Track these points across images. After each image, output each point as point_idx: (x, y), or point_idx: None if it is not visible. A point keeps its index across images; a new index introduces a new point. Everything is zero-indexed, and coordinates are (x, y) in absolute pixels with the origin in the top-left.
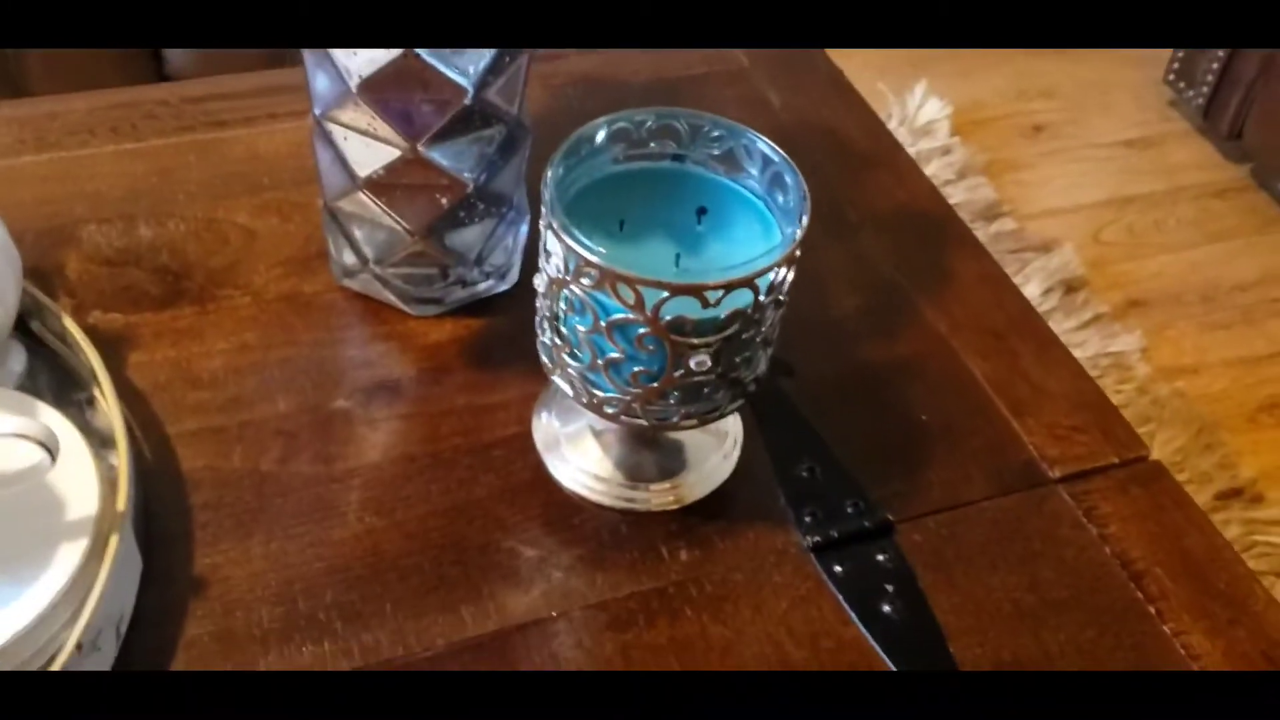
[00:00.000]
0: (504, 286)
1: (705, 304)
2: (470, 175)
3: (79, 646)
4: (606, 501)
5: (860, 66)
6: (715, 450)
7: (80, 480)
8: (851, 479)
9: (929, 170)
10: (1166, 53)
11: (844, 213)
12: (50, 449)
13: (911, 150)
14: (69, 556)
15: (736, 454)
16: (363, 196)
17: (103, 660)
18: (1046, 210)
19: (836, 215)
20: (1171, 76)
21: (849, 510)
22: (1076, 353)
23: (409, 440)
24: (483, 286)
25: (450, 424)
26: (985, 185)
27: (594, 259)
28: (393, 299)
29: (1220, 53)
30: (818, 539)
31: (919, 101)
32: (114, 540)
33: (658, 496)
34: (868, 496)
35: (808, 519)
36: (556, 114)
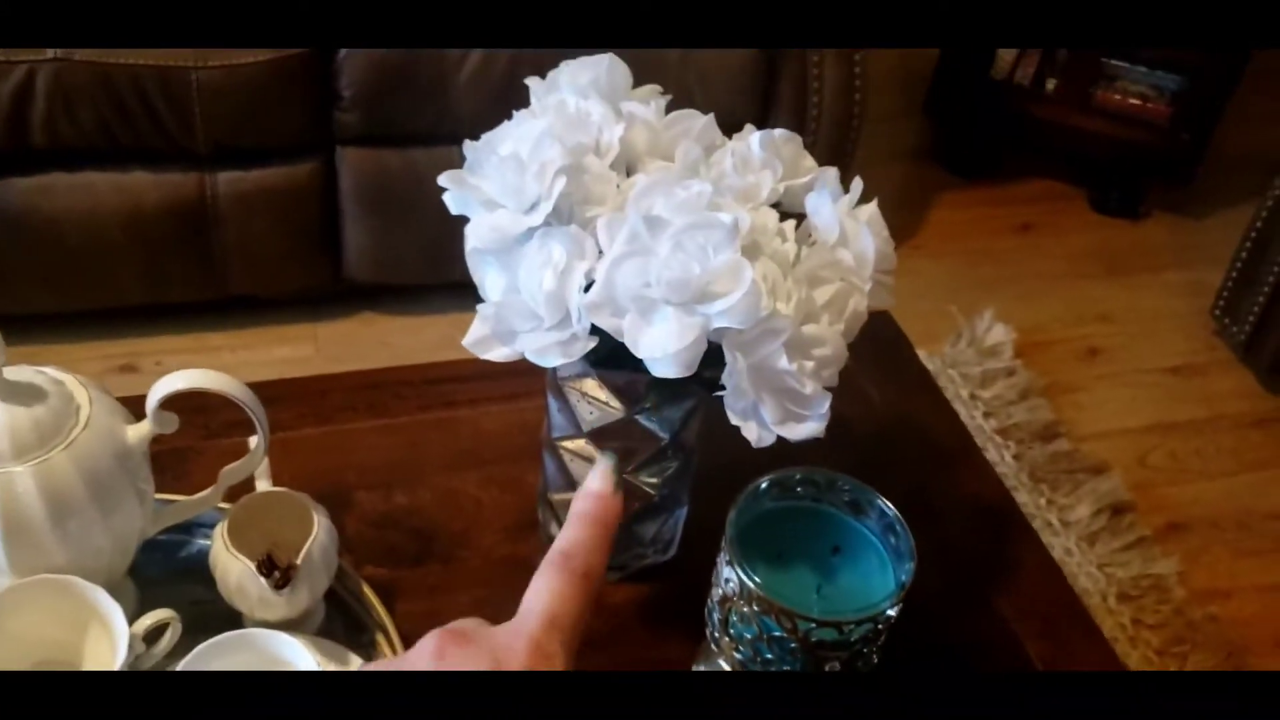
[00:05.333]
0: (666, 558)
1: (841, 633)
2: (654, 490)
3: None
4: None
5: (930, 285)
6: None
7: None
8: None
9: (994, 390)
10: (1215, 284)
11: (930, 501)
12: None
13: (978, 370)
14: None
15: None
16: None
17: None
18: (1098, 433)
19: (925, 504)
20: (1218, 311)
21: None
22: (1119, 573)
23: None
24: (650, 560)
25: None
26: (1044, 407)
27: (763, 594)
28: None
29: (1266, 288)
30: None
31: (987, 325)
32: None
33: None
34: None
35: None
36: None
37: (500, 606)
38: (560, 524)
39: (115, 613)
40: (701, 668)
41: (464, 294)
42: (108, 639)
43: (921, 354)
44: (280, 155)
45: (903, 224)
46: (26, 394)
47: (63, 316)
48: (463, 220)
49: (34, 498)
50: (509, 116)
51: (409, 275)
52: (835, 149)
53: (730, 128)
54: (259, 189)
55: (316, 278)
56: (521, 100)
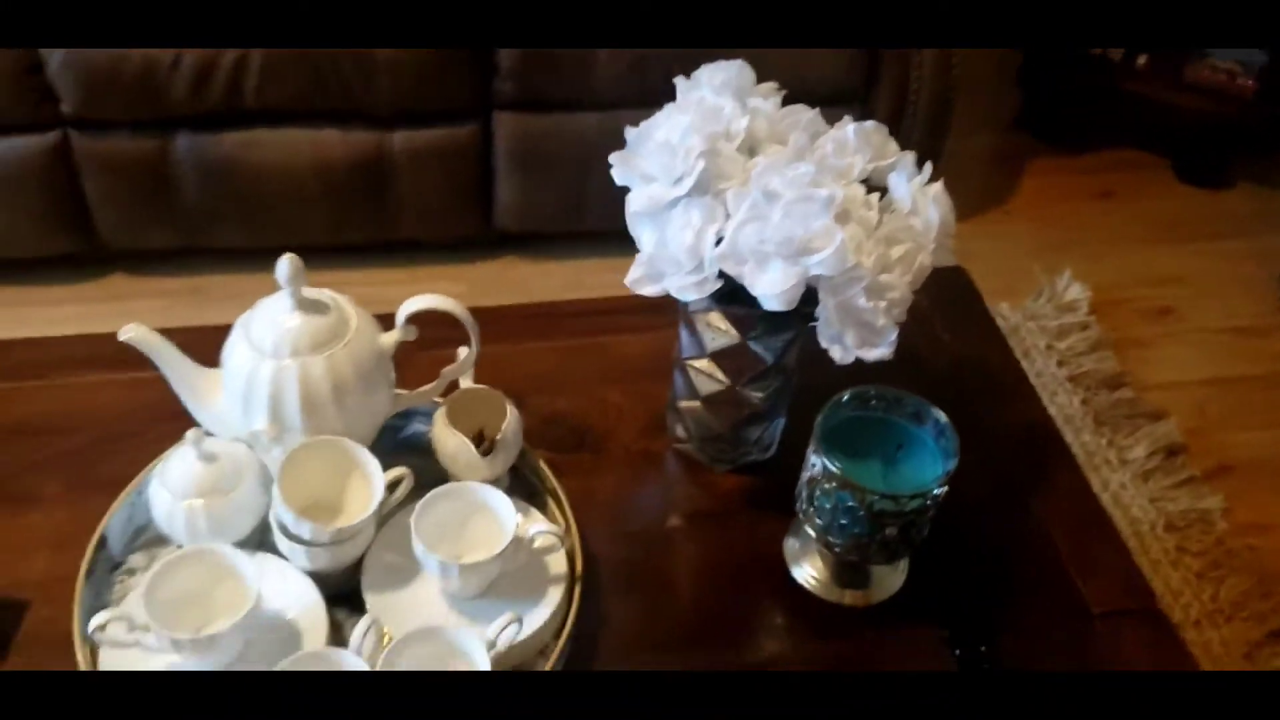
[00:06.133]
0: (766, 456)
1: (898, 504)
2: (760, 401)
3: (562, 648)
4: (827, 597)
5: (1016, 245)
6: (893, 573)
7: (555, 553)
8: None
9: (1068, 342)
10: None
11: (984, 423)
12: (561, 539)
13: (1054, 323)
14: (555, 595)
15: (904, 576)
16: (699, 407)
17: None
18: (1161, 384)
19: (978, 425)
20: None
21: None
22: (1168, 506)
23: (717, 550)
24: (754, 457)
25: (740, 542)
26: (1112, 359)
27: (840, 474)
28: (703, 459)
29: None
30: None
31: (1065, 283)
32: (577, 589)
33: (852, 597)
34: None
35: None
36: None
37: (635, 487)
38: (685, 427)
39: (374, 466)
40: (790, 539)
41: (592, 241)
42: (365, 486)
43: (1004, 307)
44: (447, 118)
45: (994, 188)
46: (316, 307)
47: (259, 251)
48: (595, 178)
49: (322, 381)
50: (639, 88)
51: (547, 225)
52: (933, 119)
53: (837, 98)
54: (428, 147)
55: (470, 226)
56: (648, 76)
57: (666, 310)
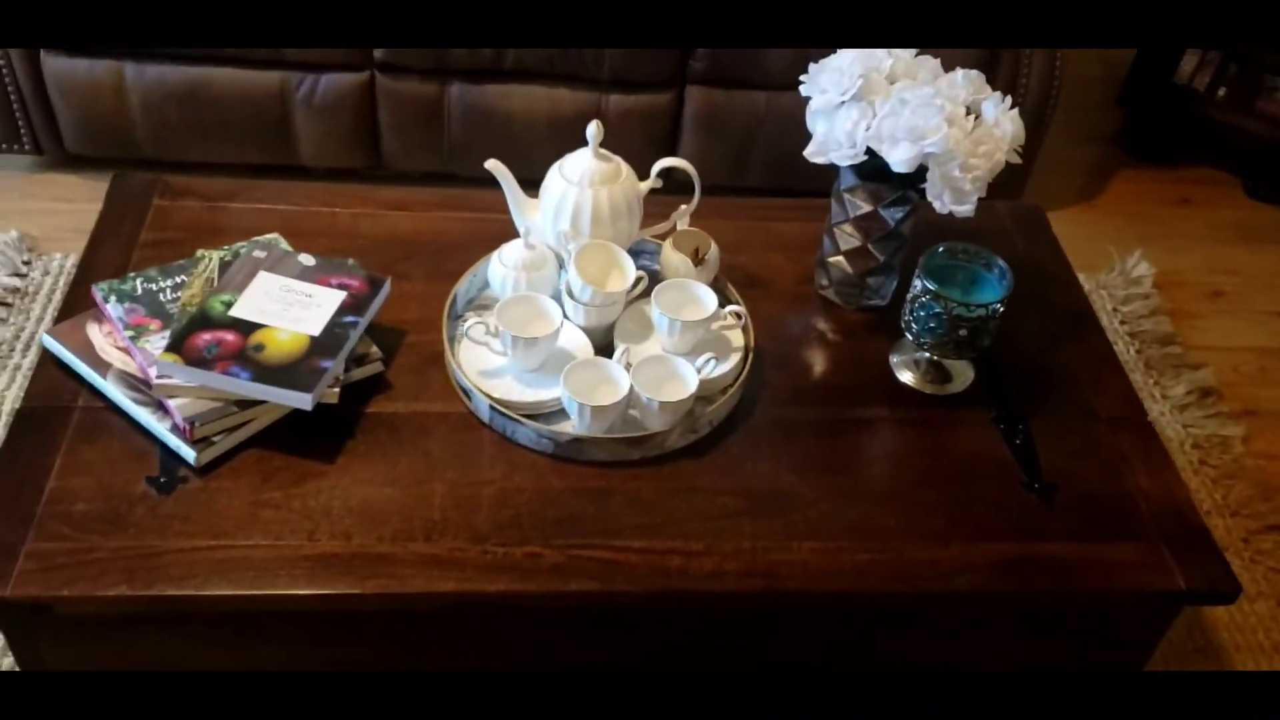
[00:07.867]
0: (883, 303)
1: (969, 310)
2: (883, 257)
3: (738, 393)
4: (921, 389)
5: (1098, 233)
6: (964, 374)
7: (734, 331)
8: (1019, 415)
9: (1131, 307)
10: None
11: (1045, 305)
12: (743, 317)
13: (1122, 292)
14: (735, 357)
15: (970, 380)
16: (840, 259)
17: (732, 399)
18: (1206, 345)
19: (1041, 308)
20: None
21: (1019, 429)
22: (1194, 430)
23: (843, 355)
24: (875, 301)
25: (861, 351)
26: (1167, 323)
27: (932, 288)
28: (838, 300)
29: None
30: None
31: (1135, 261)
32: (750, 356)
33: (932, 388)
34: (1026, 425)
35: (996, 413)
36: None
37: (789, 311)
38: (827, 276)
39: (630, 263)
40: (893, 355)
41: (748, 196)
42: (620, 277)
43: (1081, 276)
44: (651, 87)
45: (1089, 188)
46: (605, 158)
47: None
48: (758, 145)
49: (605, 204)
50: (798, 74)
51: (715, 178)
52: (1035, 116)
53: None
54: (634, 108)
55: None
56: (806, 64)
57: (809, 208)
